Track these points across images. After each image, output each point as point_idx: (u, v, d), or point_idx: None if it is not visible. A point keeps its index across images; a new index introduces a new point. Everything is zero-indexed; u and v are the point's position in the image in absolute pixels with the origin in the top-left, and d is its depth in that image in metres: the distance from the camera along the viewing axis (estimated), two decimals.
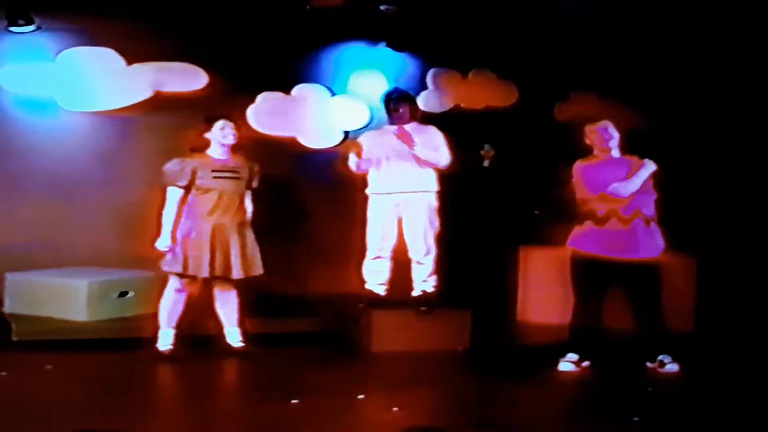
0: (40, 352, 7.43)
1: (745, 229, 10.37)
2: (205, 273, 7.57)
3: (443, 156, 8.30)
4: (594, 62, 10.47)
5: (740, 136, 10.55)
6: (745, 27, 9.45)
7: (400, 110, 8.37)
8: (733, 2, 9.08)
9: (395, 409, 6.27)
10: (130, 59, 9.05)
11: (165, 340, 7.71)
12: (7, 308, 8.20)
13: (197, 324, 7.97)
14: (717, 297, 9.44)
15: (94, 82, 8.99)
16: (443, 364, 7.87)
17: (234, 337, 7.91)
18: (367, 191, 8.45)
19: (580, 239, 7.76)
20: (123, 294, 8.33)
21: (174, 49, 9.19)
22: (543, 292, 9.29)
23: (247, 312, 8.07)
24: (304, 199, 10.00)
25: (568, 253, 7.86)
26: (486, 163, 10.45)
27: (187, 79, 9.20)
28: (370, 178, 8.42)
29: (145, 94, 9.11)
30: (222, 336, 7.92)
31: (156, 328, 7.77)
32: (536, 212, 9.97)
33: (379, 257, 8.44)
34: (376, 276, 8.50)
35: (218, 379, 7.25)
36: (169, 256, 7.59)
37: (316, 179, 10.00)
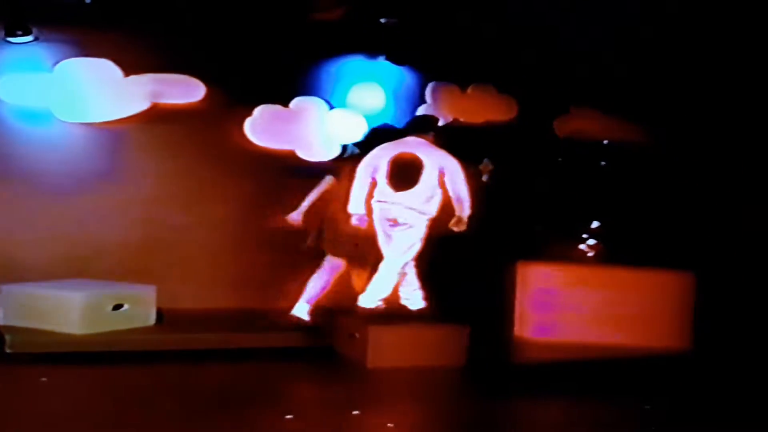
0: (35, 364, 7.45)
1: (745, 244, 10.38)
2: None
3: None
4: (594, 76, 10.54)
5: (742, 150, 10.58)
6: (746, 42, 9.50)
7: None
8: (734, 16, 9.14)
9: (390, 425, 6.31)
10: (128, 70, 9.11)
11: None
12: (2, 320, 8.21)
13: None
14: (716, 313, 9.42)
15: (91, 94, 9.06)
16: (439, 380, 7.91)
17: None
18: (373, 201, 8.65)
19: None
20: (117, 307, 8.33)
21: (171, 60, 9.25)
22: (541, 309, 9.29)
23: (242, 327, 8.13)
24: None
25: None
26: (484, 178, 10.47)
27: (184, 90, 9.26)
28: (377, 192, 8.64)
29: (142, 106, 9.18)
30: None
31: None
32: (537, 228, 10.00)
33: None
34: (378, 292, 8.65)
35: (212, 393, 7.18)
36: None
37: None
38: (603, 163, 10.84)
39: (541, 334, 9.12)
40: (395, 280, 8.63)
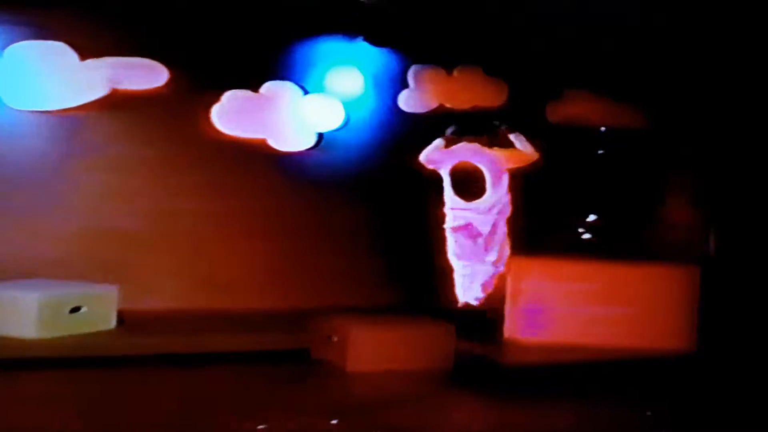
0: None
1: (754, 236, 10.39)
2: None
3: None
4: (589, 58, 10.53)
5: (745, 134, 10.59)
6: (744, 20, 9.54)
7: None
8: None
9: None
10: (84, 54, 9.04)
11: None
12: None
13: None
14: (723, 311, 9.43)
15: (45, 79, 8.99)
16: (424, 384, 7.89)
17: None
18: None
19: None
20: (75, 309, 8.27)
21: (131, 42, 9.19)
22: (534, 307, 9.29)
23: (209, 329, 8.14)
24: (276, 207, 10.02)
25: None
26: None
27: (145, 75, 9.22)
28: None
29: (100, 92, 9.12)
30: None
31: None
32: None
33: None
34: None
35: (178, 401, 7.14)
36: None
37: (287, 185, 10.06)
38: (599, 150, 10.86)
39: (534, 334, 9.12)
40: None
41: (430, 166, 9.56)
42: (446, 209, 9.52)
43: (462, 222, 9.41)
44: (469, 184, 9.34)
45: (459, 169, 9.43)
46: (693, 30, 9.85)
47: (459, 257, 9.50)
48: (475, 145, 9.43)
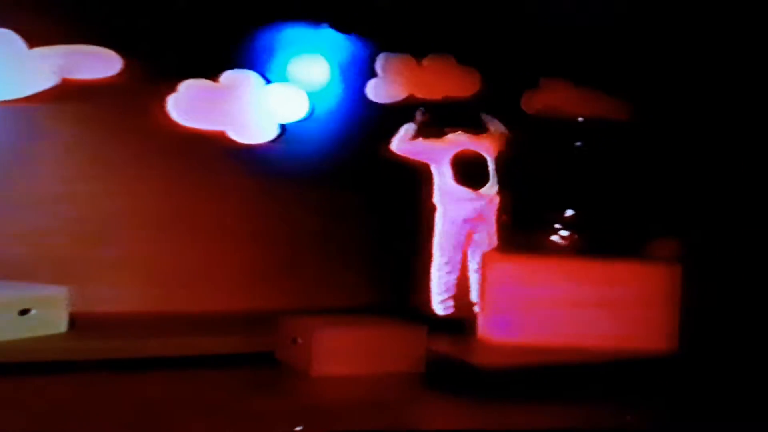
0: None
1: (739, 230, 10.38)
2: None
3: None
4: (567, 44, 10.51)
5: (729, 129, 10.59)
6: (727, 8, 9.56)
7: None
8: None
9: None
10: (33, 42, 8.89)
11: None
12: None
13: None
14: (706, 311, 9.37)
15: None
16: (394, 389, 7.82)
17: None
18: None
19: None
20: (24, 312, 8.14)
21: (83, 30, 9.06)
22: (509, 307, 9.24)
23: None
24: (236, 201, 9.97)
25: None
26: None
27: (98, 64, 9.10)
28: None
29: (49, 82, 8.98)
30: None
31: None
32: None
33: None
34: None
35: (133, 408, 7.02)
36: None
37: (248, 178, 9.98)
38: (578, 143, 10.83)
39: (509, 335, 9.05)
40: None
41: (421, 159, 9.41)
42: (444, 202, 9.35)
43: (470, 213, 9.31)
44: (474, 173, 9.29)
45: (460, 158, 9.32)
46: (678, 20, 9.87)
47: (450, 252, 9.34)
48: (467, 135, 9.41)
